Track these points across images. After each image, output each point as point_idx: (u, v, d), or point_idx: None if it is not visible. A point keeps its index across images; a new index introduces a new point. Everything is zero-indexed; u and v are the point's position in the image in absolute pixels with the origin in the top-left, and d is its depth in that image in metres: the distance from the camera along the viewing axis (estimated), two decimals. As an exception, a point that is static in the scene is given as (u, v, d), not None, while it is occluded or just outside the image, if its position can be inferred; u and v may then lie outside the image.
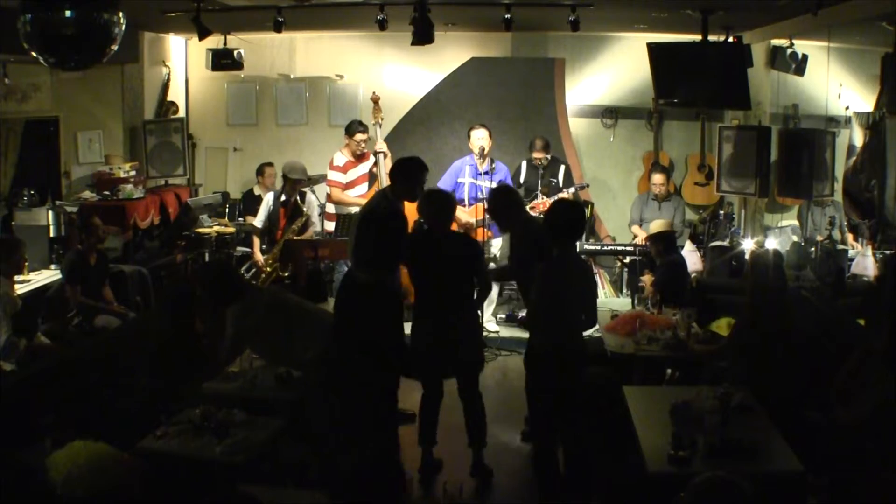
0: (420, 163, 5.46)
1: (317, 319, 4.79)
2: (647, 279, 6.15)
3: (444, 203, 5.04)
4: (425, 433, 4.87)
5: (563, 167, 7.83)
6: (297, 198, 7.29)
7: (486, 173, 7.21)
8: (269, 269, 7.11)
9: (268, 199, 7.34)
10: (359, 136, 7.56)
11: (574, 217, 4.65)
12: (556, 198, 7.41)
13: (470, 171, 7.38)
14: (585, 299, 4.57)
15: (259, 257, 7.26)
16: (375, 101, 7.92)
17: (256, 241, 7.34)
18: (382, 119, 7.94)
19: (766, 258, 4.86)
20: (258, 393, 4.49)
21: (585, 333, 4.84)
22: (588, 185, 7.96)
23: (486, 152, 7.33)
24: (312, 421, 4.49)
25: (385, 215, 4.92)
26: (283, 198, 7.25)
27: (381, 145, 7.62)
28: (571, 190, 7.58)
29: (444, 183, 7.49)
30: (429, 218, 5.01)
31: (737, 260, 7.32)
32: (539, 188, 7.64)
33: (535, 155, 7.76)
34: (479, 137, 7.35)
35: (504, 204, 5.37)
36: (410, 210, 5.37)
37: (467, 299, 4.95)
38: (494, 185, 7.29)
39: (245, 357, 4.81)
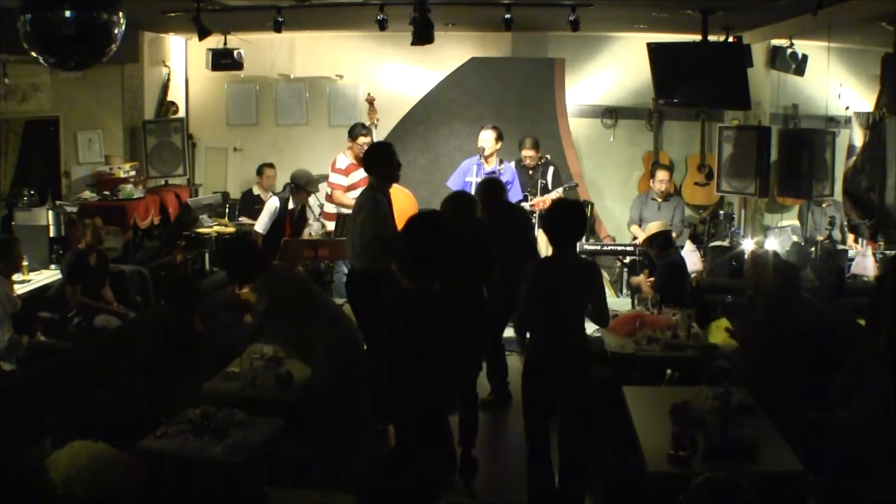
0: (387, 144, 5.83)
1: (331, 315, 4.72)
2: (639, 279, 6.17)
3: (467, 202, 5.18)
4: None
5: (551, 168, 7.79)
6: (306, 205, 7.28)
7: (491, 174, 7.22)
8: None
9: (273, 205, 7.18)
10: (362, 140, 7.53)
11: (573, 217, 4.52)
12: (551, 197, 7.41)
13: (477, 171, 7.40)
14: (592, 297, 4.51)
15: None
16: (371, 102, 7.91)
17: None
18: (378, 120, 7.94)
19: (777, 261, 4.89)
20: (258, 393, 4.49)
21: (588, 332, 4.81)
22: (577, 185, 7.93)
23: (486, 153, 7.35)
24: (315, 419, 4.47)
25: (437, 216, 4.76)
26: (290, 205, 7.20)
27: None
28: (560, 190, 7.55)
29: (453, 182, 7.52)
30: (454, 218, 5.04)
31: (737, 260, 7.33)
32: (528, 188, 7.63)
33: (525, 153, 7.76)
34: (483, 139, 7.41)
35: (489, 192, 5.66)
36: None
37: (482, 298, 5.00)
38: None
39: (245, 357, 4.82)
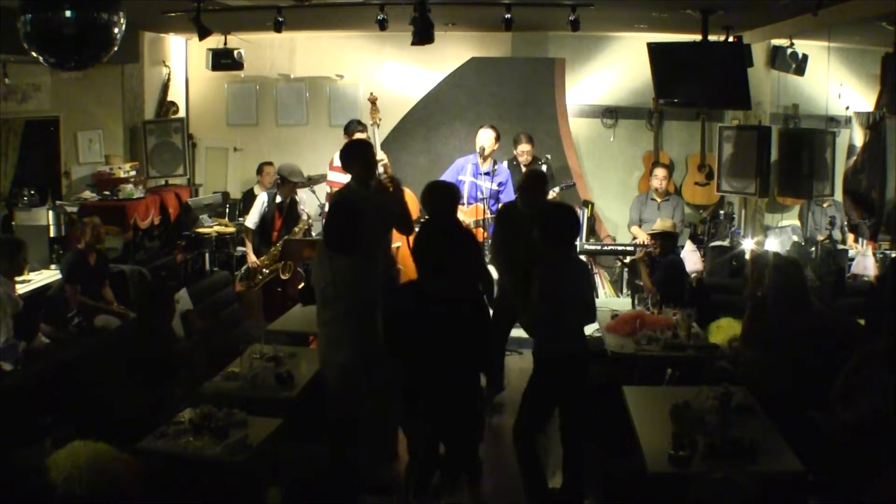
0: (362, 141, 6.00)
1: None
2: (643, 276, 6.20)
3: (446, 192, 5.12)
4: None
5: (545, 167, 7.78)
6: (295, 199, 7.28)
7: (486, 174, 7.21)
8: (266, 270, 7.07)
9: (262, 200, 7.21)
10: (357, 136, 7.53)
11: (566, 220, 4.49)
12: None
13: (471, 170, 7.39)
14: (586, 295, 4.55)
15: (254, 258, 7.16)
16: (373, 101, 7.90)
17: (249, 242, 7.22)
18: (380, 119, 7.92)
19: (781, 259, 4.88)
20: (258, 393, 4.49)
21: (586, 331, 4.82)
22: (574, 184, 7.92)
23: (486, 153, 7.35)
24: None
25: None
26: (278, 199, 7.22)
27: (381, 155, 7.44)
28: (556, 189, 7.54)
29: (446, 178, 7.50)
30: (432, 207, 5.04)
31: (737, 260, 7.33)
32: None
33: (522, 148, 7.74)
34: (483, 137, 7.40)
35: (534, 184, 5.70)
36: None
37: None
38: (494, 186, 7.32)
39: (245, 357, 4.82)
